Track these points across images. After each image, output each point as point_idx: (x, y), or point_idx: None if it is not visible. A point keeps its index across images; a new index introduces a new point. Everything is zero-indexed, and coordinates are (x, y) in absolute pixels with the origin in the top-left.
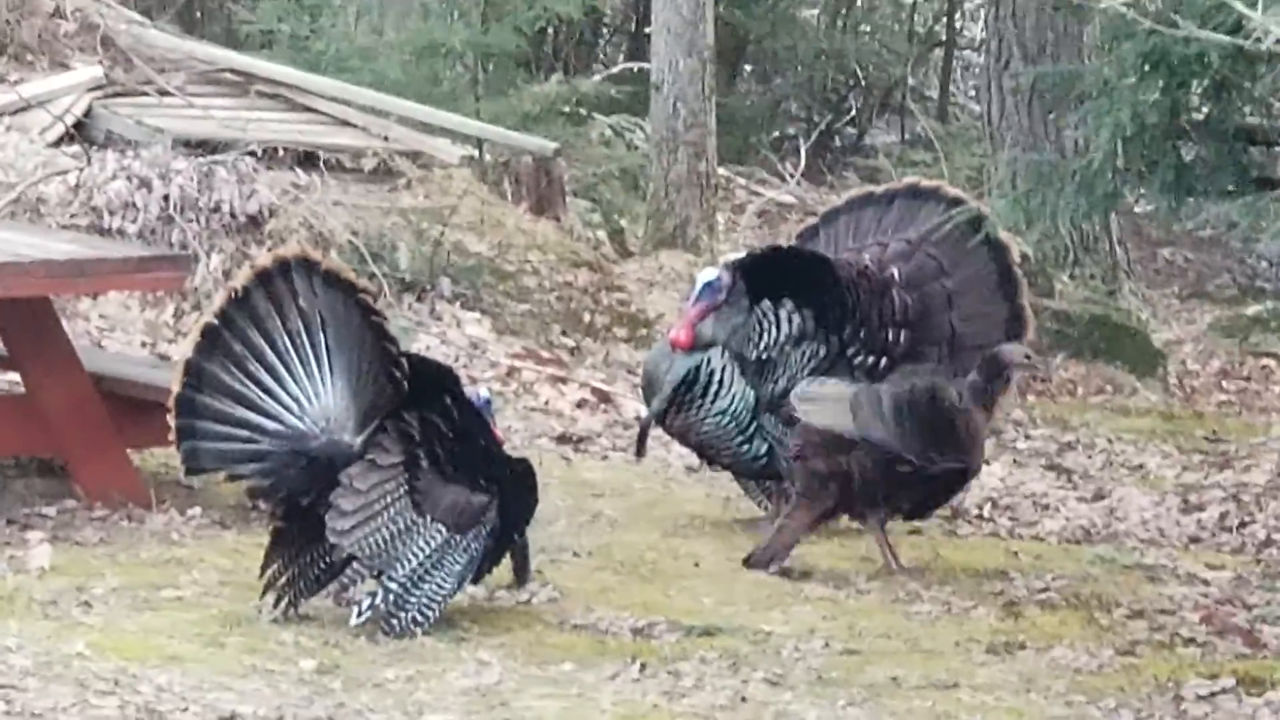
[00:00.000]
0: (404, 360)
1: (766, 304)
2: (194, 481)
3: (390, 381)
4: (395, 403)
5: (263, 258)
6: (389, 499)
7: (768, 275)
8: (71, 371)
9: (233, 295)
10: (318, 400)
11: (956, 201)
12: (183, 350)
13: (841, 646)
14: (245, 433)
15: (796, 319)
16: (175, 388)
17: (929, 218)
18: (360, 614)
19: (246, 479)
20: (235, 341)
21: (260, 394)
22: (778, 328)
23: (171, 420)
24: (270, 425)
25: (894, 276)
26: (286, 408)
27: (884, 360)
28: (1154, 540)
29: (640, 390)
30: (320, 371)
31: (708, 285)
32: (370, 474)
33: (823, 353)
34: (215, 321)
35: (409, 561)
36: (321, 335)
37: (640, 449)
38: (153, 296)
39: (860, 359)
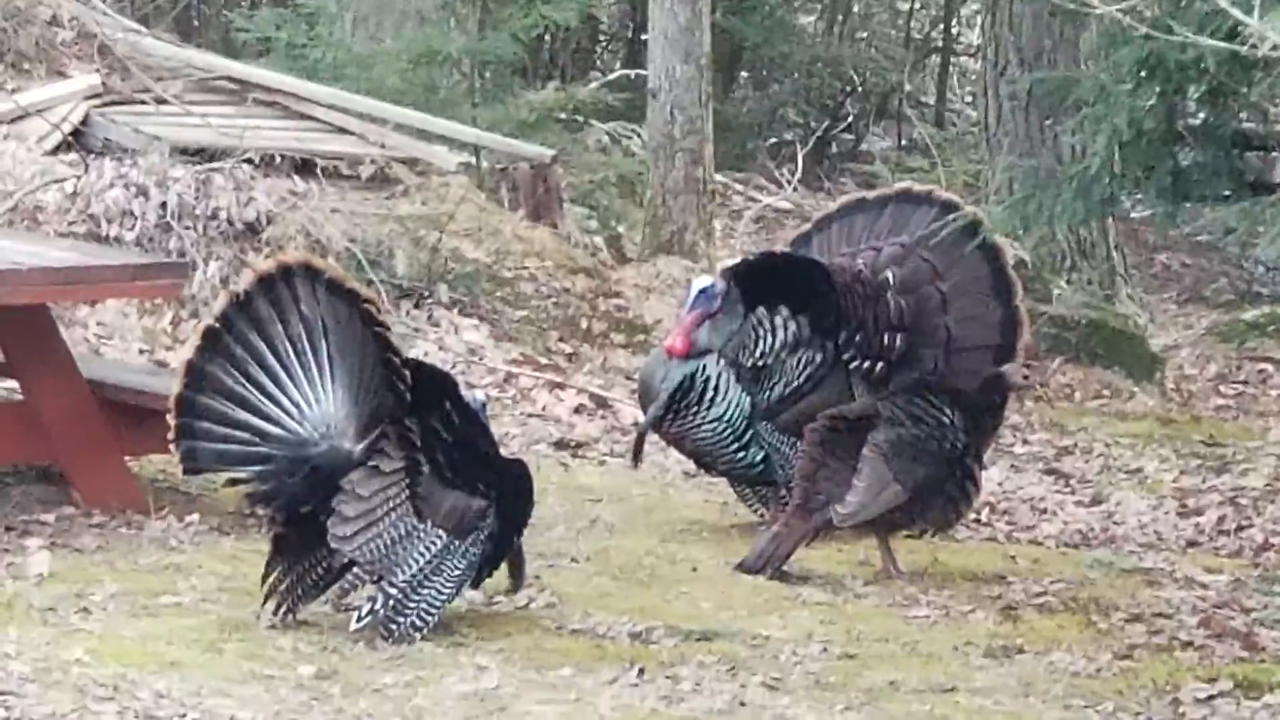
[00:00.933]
0: (407, 371)
1: (762, 311)
2: (192, 488)
3: (393, 392)
4: (397, 413)
5: (266, 263)
6: (391, 505)
7: (762, 282)
8: (69, 379)
9: (235, 299)
10: (318, 406)
11: (949, 205)
12: (184, 352)
13: (839, 651)
14: (245, 435)
15: (792, 325)
16: (176, 387)
17: (922, 222)
18: (360, 619)
19: (246, 483)
20: (236, 344)
21: (261, 397)
22: (773, 335)
23: (171, 419)
24: (270, 429)
25: (889, 280)
26: (287, 412)
27: (880, 364)
28: (1152, 544)
29: (637, 397)
30: (321, 378)
31: (702, 292)
32: (372, 480)
33: (819, 358)
34: (216, 324)
35: (409, 567)
36: (323, 342)
37: (637, 456)
38: (150, 304)
39: (856, 364)
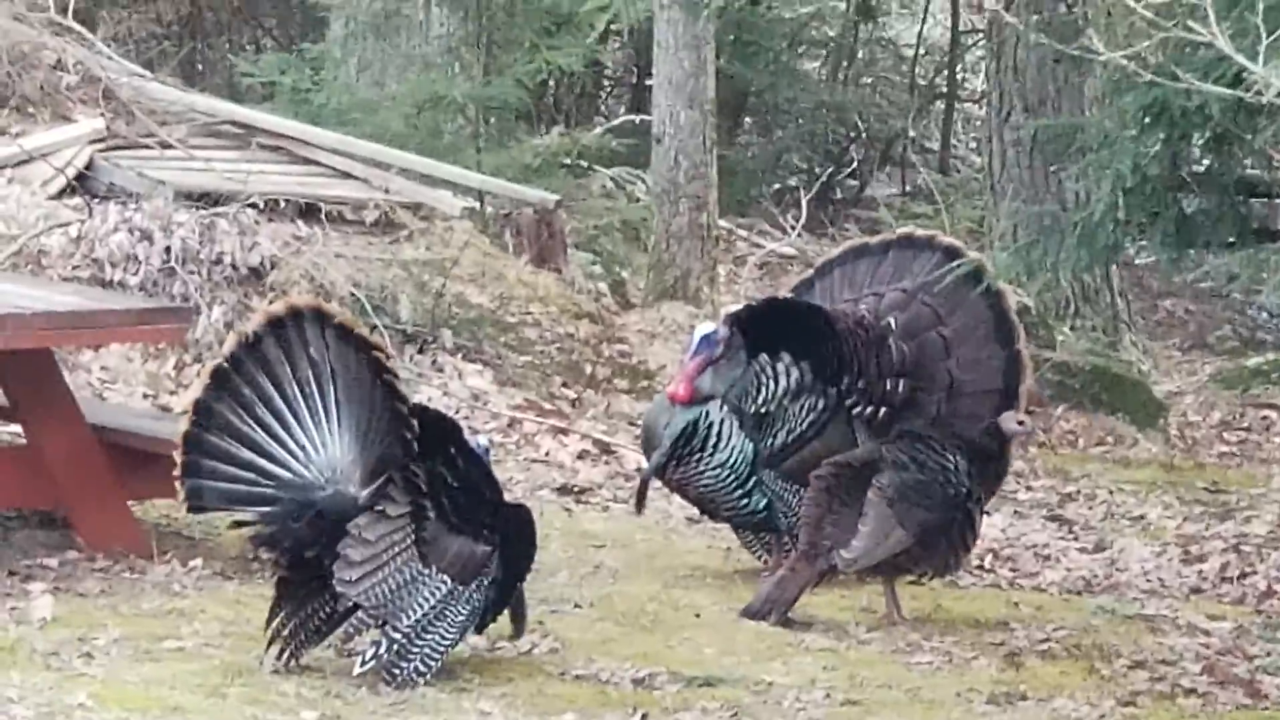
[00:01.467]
0: (415, 421)
1: (764, 358)
2: (195, 533)
3: (400, 441)
4: (404, 461)
5: (275, 305)
6: (396, 549)
7: (765, 328)
8: (73, 423)
9: (244, 339)
10: (324, 451)
11: (951, 250)
12: (193, 390)
13: (843, 697)
14: (251, 475)
15: (794, 372)
16: (183, 425)
17: (924, 267)
18: (364, 663)
19: (250, 525)
20: (244, 385)
21: (267, 439)
22: (775, 381)
23: (178, 456)
24: (277, 471)
25: (891, 325)
26: (293, 454)
27: (883, 410)
28: (1155, 591)
29: (640, 444)
30: (328, 422)
31: (705, 339)
32: (378, 524)
33: (821, 405)
34: (225, 364)
35: (414, 612)
36: (331, 387)
37: (640, 503)
38: (154, 349)
39: (859, 410)
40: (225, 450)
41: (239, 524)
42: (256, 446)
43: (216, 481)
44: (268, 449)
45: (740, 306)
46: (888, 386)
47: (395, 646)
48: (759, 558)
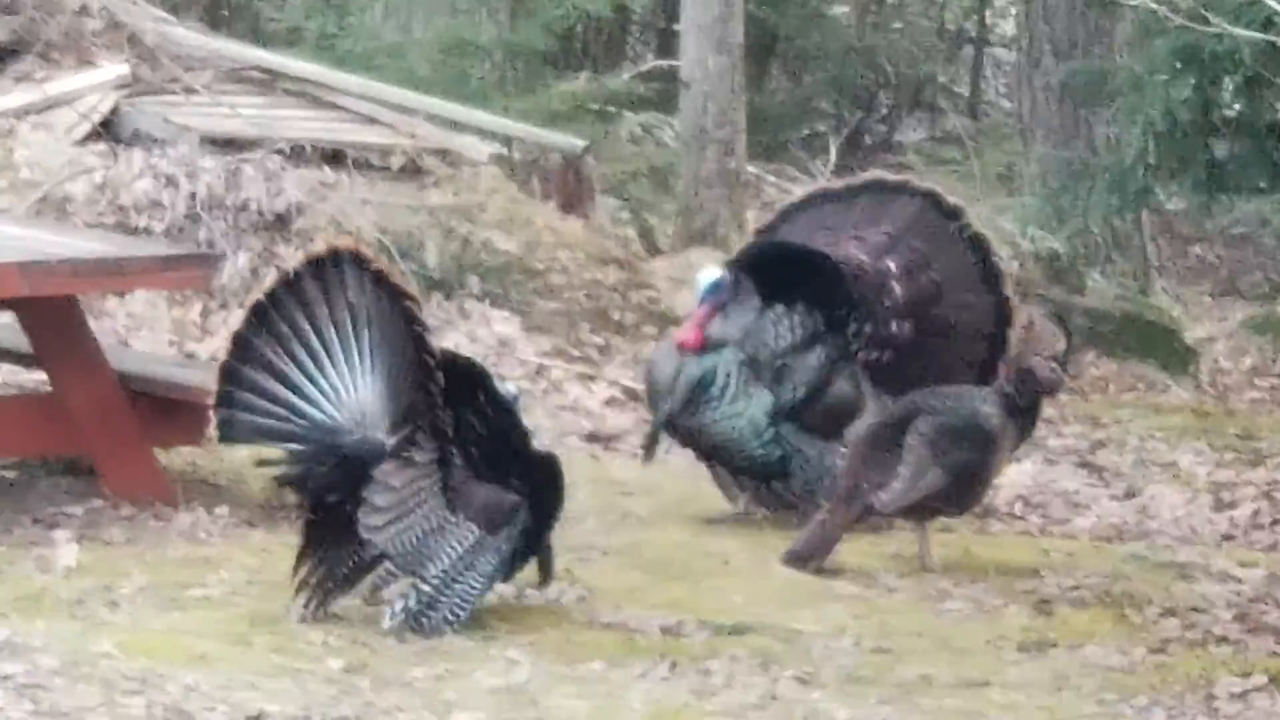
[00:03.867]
0: (440, 374)
1: (780, 308)
2: (221, 480)
3: (425, 394)
4: (428, 414)
5: (318, 245)
6: (423, 497)
7: (775, 274)
8: (98, 371)
9: (285, 277)
10: (354, 394)
11: (930, 194)
12: (233, 324)
13: (872, 645)
14: (282, 411)
15: (809, 322)
16: (222, 357)
17: (904, 212)
18: (393, 615)
19: (276, 464)
20: (282, 322)
21: (300, 377)
22: (793, 332)
23: (215, 385)
24: (307, 410)
25: (890, 269)
26: (324, 395)
27: (888, 353)
28: (1186, 538)
29: (646, 393)
30: (360, 366)
31: (715, 285)
32: (404, 471)
33: (834, 353)
34: (265, 300)
35: (442, 560)
36: (366, 332)
37: (649, 454)
38: (180, 295)
39: (865, 354)
40: (259, 384)
41: (265, 463)
42: (290, 383)
43: (249, 414)
44: (300, 387)
45: (744, 250)
46: (892, 329)
47: (424, 597)
48: (732, 498)
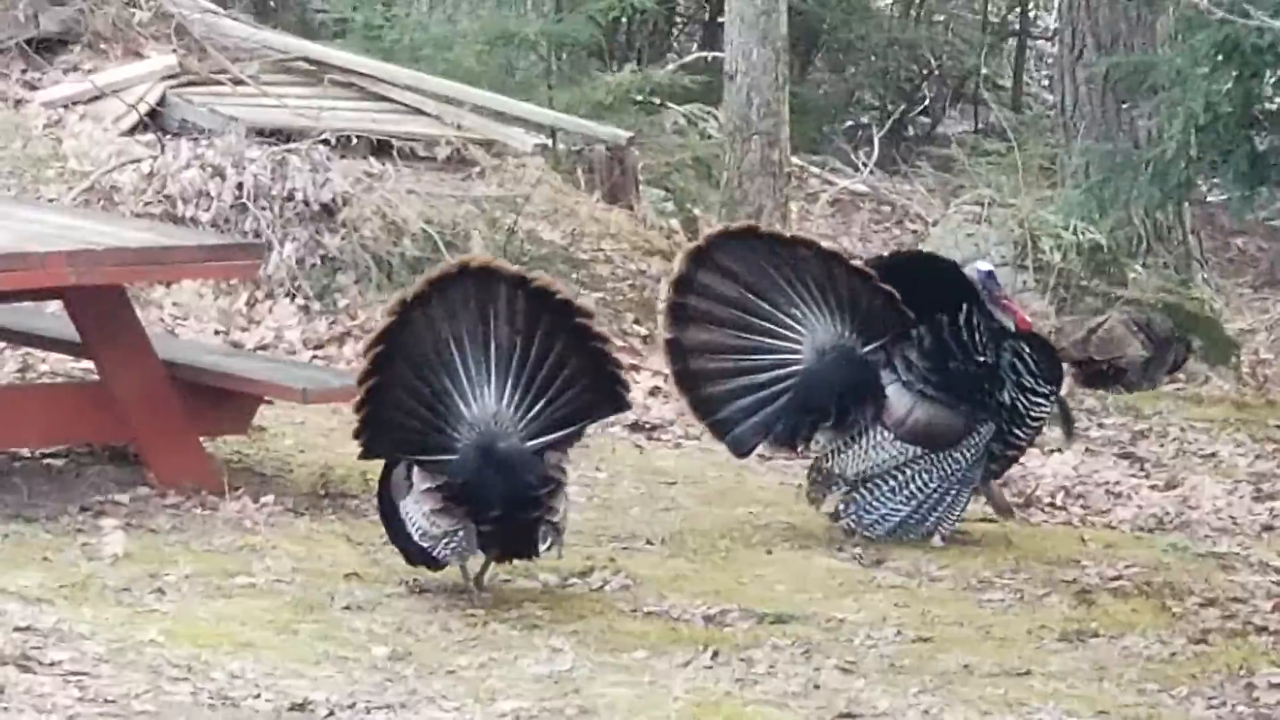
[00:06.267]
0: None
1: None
2: (267, 469)
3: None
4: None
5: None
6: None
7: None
8: (145, 359)
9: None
10: (480, 404)
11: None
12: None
13: (914, 634)
14: (424, 422)
15: None
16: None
17: None
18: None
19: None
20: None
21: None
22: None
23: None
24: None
25: None
26: (465, 399)
27: None
28: (1226, 529)
29: None
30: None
31: (991, 273)
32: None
33: None
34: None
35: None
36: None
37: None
38: (226, 285)
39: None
40: (409, 381)
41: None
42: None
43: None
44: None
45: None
46: None
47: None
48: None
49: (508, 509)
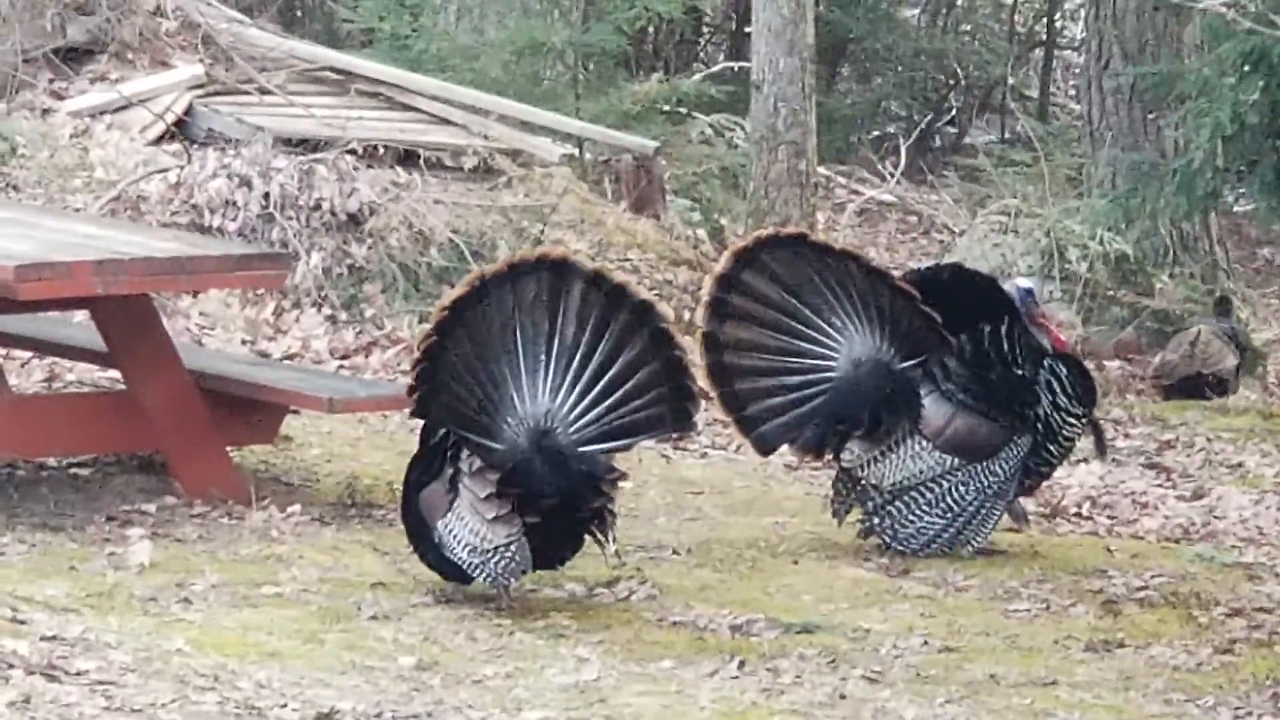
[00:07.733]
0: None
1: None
2: (294, 479)
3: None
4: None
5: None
6: None
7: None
8: (172, 369)
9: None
10: (534, 400)
11: None
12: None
13: (940, 644)
14: (478, 401)
15: None
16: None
17: None
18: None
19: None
20: (492, 306)
21: (499, 370)
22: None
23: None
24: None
25: None
26: (519, 391)
27: None
28: (1253, 539)
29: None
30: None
31: (1030, 291)
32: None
33: None
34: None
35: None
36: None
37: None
38: (253, 294)
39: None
40: (464, 368)
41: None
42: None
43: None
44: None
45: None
46: None
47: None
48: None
49: (565, 497)
